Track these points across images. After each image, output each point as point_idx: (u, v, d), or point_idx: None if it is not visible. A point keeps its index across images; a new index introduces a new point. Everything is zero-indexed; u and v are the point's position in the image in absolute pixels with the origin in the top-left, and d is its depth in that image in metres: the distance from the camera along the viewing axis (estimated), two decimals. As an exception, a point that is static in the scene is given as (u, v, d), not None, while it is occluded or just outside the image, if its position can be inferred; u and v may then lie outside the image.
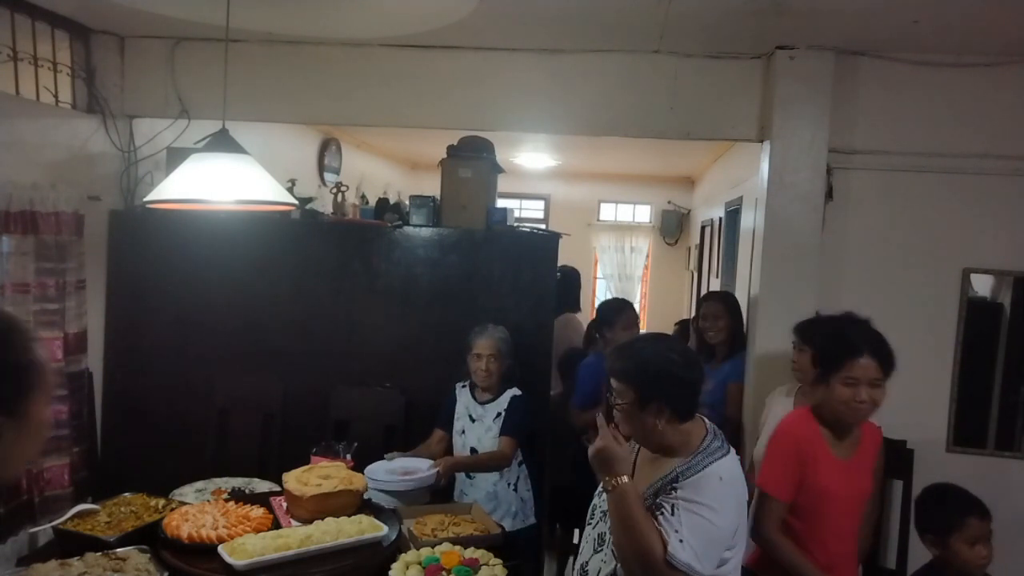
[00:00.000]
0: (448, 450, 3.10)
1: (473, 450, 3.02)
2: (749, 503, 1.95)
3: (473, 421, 3.05)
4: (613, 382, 1.80)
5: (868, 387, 2.17)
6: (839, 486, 2.23)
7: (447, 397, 3.15)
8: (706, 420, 1.87)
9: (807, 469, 2.21)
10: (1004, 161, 3.12)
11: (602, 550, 1.86)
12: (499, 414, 3.01)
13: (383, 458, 2.95)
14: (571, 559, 3.19)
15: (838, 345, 2.25)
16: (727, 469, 1.75)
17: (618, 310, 3.57)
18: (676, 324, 4.59)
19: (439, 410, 3.17)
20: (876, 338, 2.23)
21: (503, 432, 2.97)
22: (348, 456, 2.85)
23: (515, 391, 3.05)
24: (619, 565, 1.77)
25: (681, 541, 1.64)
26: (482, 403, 3.05)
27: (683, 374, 1.77)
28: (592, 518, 1.95)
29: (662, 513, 1.70)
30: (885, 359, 2.19)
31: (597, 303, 8.91)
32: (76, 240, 3.26)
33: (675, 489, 1.71)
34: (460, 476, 3.04)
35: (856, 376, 2.17)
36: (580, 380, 3.57)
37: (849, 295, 3.22)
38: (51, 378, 1.14)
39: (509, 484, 3.01)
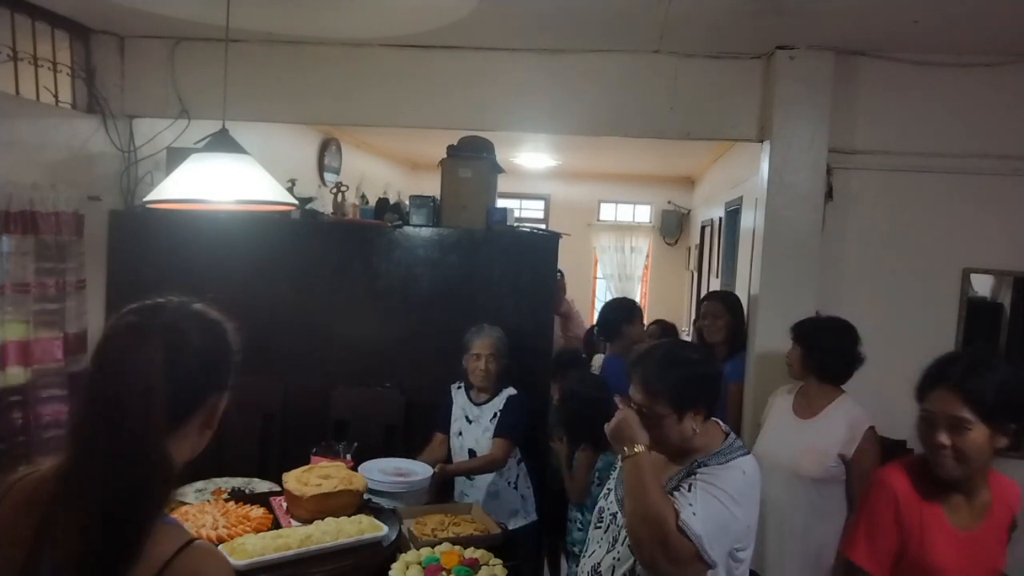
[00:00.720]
0: (450, 453, 3.10)
1: (471, 451, 3.01)
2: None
3: (470, 422, 3.04)
4: (642, 395, 1.76)
5: (947, 429, 1.69)
6: (957, 564, 1.73)
7: (444, 399, 3.14)
8: (720, 422, 1.86)
9: (911, 539, 1.75)
10: (1004, 161, 3.13)
11: (615, 549, 1.85)
12: (495, 414, 3.01)
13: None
14: (563, 559, 3.19)
15: (924, 372, 1.79)
16: (750, 466, 1.76)
17: (634, 306, 3.70)
18: (652, 323, 4.54)
19: (438, 413, 3.15)
20: (972, 368, 1.71)
21: (497, 434, 2.97)
22: (348, 456, 2.85)
23: (511, 391, 3.05)
24: (636, 562, 1.75)
25: (695, 514, 1.63)
26: (478, 404, 3.05)
27: (710, 373, 1.81)
28: (601, 521, 1.94)
29: (679, 490, 1.70)
30: (975, 395, 1.67)
31: (598, 304, 8.94)
32: (76, 240, 3.26)
33: (695, 475, 1.71)
34: (460, 478, 3.03)
35: (930, 410, 1.72)
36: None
37: (849, 295, 3.22)
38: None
39: (509, 483, 3.02)
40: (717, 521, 1.65)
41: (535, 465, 3.16)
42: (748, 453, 1.80)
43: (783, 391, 2.85)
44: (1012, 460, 3.20)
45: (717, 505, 1.66)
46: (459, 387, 3.13)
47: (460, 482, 3.03)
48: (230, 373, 1.22)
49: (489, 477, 2.98)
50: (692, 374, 1.76)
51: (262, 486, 2.75)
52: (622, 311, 3.65)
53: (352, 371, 3.52)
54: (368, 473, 2.72)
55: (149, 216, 3.46)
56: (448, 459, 3.07)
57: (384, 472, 2.81)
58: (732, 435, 1.83)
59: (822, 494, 2.57)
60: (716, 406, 1.81)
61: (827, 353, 2.65)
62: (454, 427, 3.08)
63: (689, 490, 1.68)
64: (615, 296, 7.85)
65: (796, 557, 2.60)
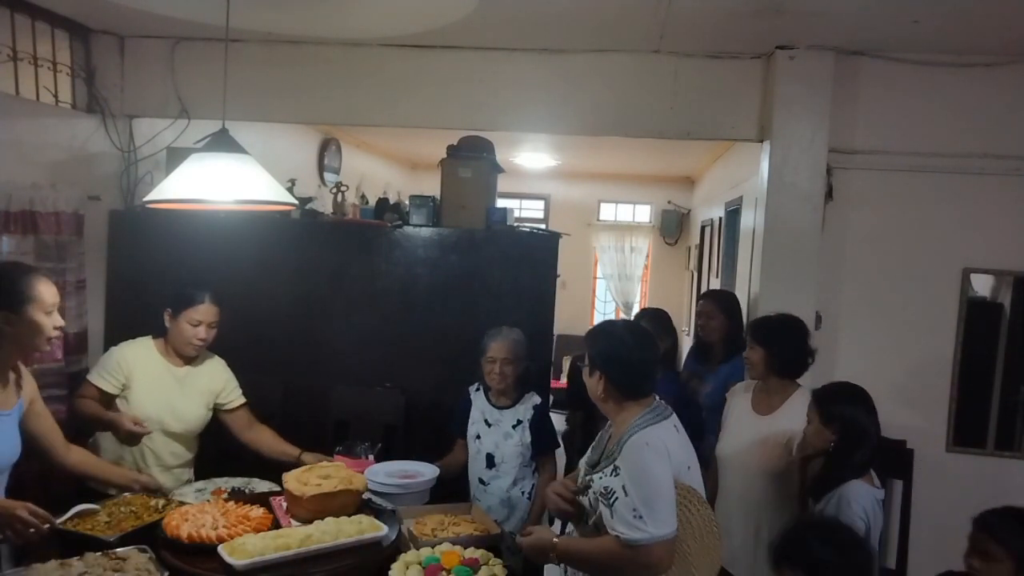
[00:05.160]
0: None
1: (489, 456, 2.95)
2: None
3: (489, 426, 2.97)
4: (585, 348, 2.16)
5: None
6: None
7: (460, 401, 3.08)
8: (658, 398, 2.09)
9: None
10: (1004, 161, 3.13)
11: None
12: (519, 421, 2.95)
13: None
14: None
15: None
16: (654, 436, 1.97)
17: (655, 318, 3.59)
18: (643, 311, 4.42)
19: (454, 417, 3.09)
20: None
21: (541, 451, 2.96)
22: (370, 456, 2.87)
23: (536, 399, 3.01)
24: None
25: (640, 518, 1.88)
26: (500, 408, 2.99)
27: (627, 355, 2.06)
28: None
29: (608, 499, 1.95)
30: None
31: (598, 304, 8.94)
32: (76, 240, 3.26)
33: (616, 469, 1.96)
34: (474, 482, 2.99)
35: None
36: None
37: (849, 295, 3.23)
38: (47, 297, 2.18)
39: (523, 492, 2.97)
40: (645, 498, 1.89)
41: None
42: (659, 422, 2.00)
43: (740, 389, 2.88)
44: (1012, 460, 3.22)
45: (637, 485, 1.90)
46: (477, 389, 3.06)
47: (473, 488, 2.98)
48: (14, 300, 2.09)
49: (503, 484, 2.94)
50: (605, 347, 2.09)
51: (262, 486, 2.75)
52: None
53: (352, 371, 3.51)
54: (374, 476, 2.71)
55: (149, 216, 3.46)
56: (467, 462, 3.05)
57: (390, 475, 2.80)
58: (650, 411, 2.02)
59: (780, 488, 2.61)
60: (627, 386, 2.05)
61: (788, 350, 2.69)
62: (471, 430, 3.00)
63: (626, 494, 1.91)
64: (613, 296, 7.82)
65: (763, 550, 2.63)
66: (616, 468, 1.96)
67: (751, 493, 2.67)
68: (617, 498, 1.92)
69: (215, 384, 2.87)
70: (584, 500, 2.09)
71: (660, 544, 1.88)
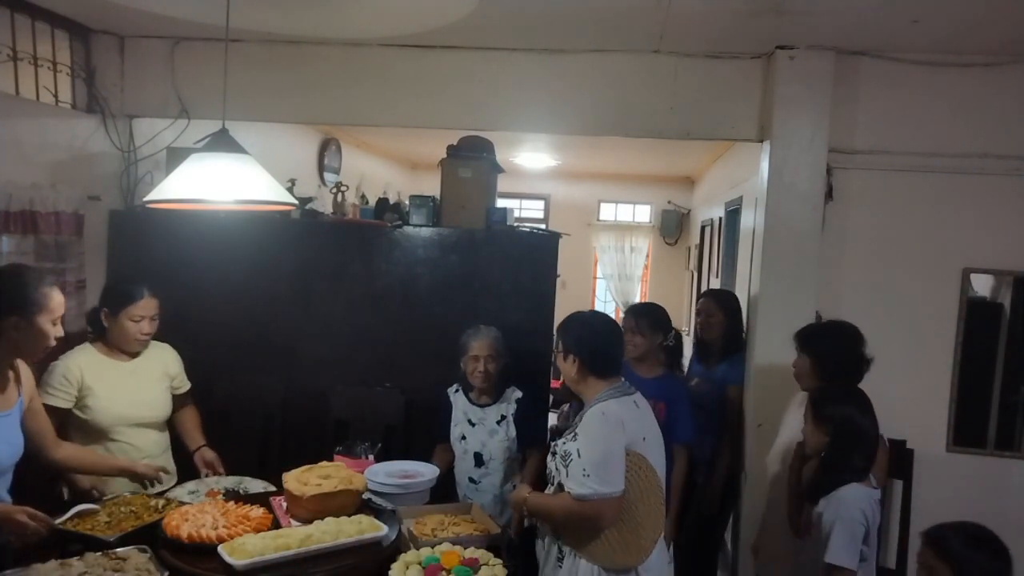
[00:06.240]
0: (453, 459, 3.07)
1: (477, 455, 2.97)
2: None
3: (473, 425, 3.00)
4: (558, 337, 2.37)
5: None
6: None
7: (442, 402, 3.10)
8: (623, 380, 2.29)
9: None
10: (1004, 161, 3.13)
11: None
12: (503, 417, 2.98)
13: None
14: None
15: None
16: (611, 408, 2.18)
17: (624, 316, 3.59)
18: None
19: (438, 421, 3.10)
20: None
21: (529, 444, 2.98)
22: (370, 456, 2.88)
23: (517, 393, 3.03)
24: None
25: (588, 476, 2.10)
26: (482, 406, 3.01)
27: (597, 340, 2.29)
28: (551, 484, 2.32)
29: (566, 461, 2.17)
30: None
31: (599, 304, 8.93)
32: (76, 240, 3.26)
33: (576, 436, 2.18)
34: (464, 481, 3.00)
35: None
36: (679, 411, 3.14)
37: (849, 295, 3.22)
38: (57, 308, 2.21)
39: (515, 487, 2.98)
40: (601, 465, 2.10)
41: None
42: (619, 397, 2.20)
43: (798, 400, 2.78)
44: (1012, 460, 3.22)
45: (594, 454, 2.12)
46: (457, 390, 3.10)
47: (465, 487, 3.01)
48: (18, 306, 2.11)
49: (495, 482, 2.96)
50: (577, 332, 2.30)
51: (255, 485, 2.74)
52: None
53: (352, 371, 3.52)
54: (374, 476, 2.71)
55: (149, 216, 3.46)
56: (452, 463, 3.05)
57: (390, 475, 2.80)
58: (612, 388, 2.22)
59: None
60: (597, 367, 2.24)
61: (837, 358, 2.59)
62: (455, 431, 3.03)
63: (579, 456, 2.13)
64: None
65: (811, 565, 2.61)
66: (576, 435, 2.19)
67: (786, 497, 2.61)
68: (572, 459, 2.16)
69: (171, 368, 2.92)
70: (551, 465, 2.30)
71: (604, 501, 2.10)
